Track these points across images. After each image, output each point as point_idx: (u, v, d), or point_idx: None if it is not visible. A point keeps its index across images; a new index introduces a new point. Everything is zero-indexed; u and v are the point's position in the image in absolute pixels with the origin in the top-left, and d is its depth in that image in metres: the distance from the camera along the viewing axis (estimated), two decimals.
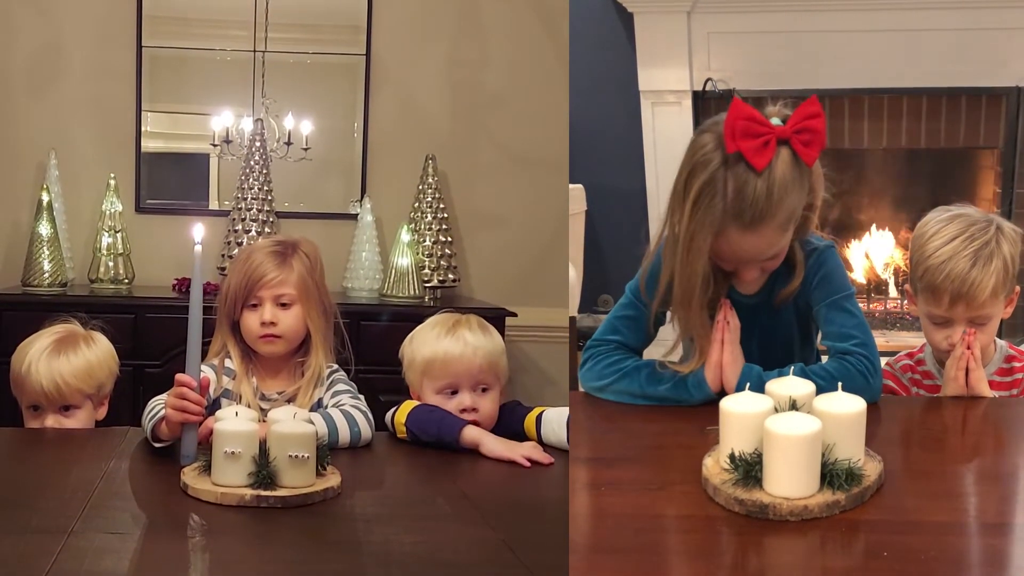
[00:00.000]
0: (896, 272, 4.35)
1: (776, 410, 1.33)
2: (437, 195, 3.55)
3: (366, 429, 1.80)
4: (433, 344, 1.87)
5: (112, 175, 3.43)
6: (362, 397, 1.91)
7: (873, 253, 4.37)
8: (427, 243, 3.52)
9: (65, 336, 1.96)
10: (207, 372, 1.89)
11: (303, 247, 1.99)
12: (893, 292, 4.38)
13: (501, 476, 1.67)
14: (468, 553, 1.32)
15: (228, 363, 1.95)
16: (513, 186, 3.71)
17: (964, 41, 3.95)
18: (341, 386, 1.93)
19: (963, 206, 1.90)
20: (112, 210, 3.41)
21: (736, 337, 1.69)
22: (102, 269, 3.39)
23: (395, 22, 3.69)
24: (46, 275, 3.26)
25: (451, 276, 3.56)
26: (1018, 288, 1.87)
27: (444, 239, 3.55)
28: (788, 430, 1.27)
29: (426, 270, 3.50)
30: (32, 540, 1.26)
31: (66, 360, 1.91)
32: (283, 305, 1.93)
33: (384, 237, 3.60)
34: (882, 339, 4.12)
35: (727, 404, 1.35)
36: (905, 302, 4.21)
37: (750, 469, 1.29)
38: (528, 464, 1.69)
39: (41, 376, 1.89)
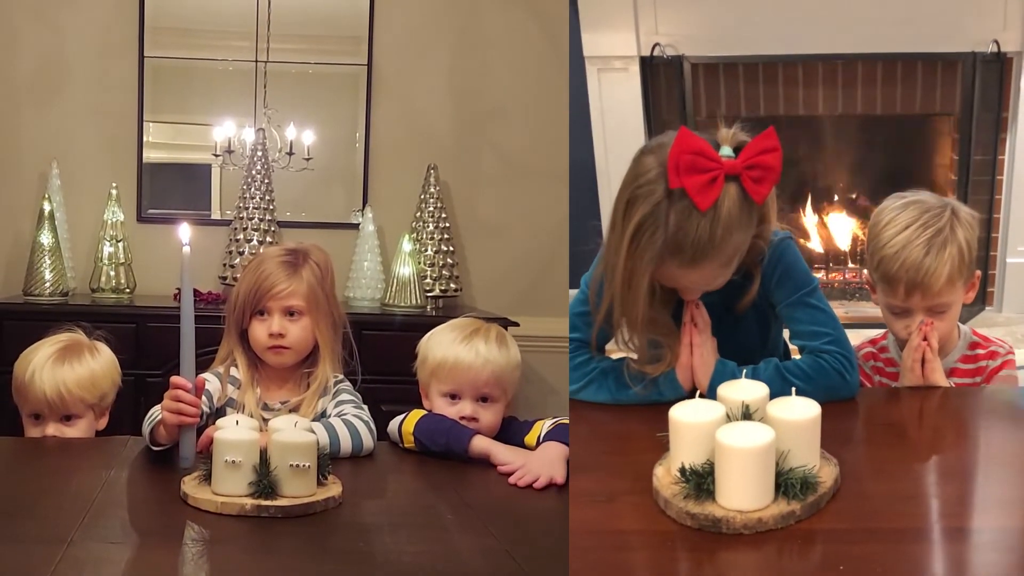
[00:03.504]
0: (854, 240, 4.21)
1: (728, 417, 1.28)
2: (439, 204, 3.55)
3: (367, 439, 1.80)
4: (446, 348, 1.86)
5: (114, 185, 3.43)
6: (365, 407, 1.90)
7: (830, 222, 4.24)
8: (429, 252, 3.52)
9: (69, 345, 1.95)
10: (212, 380, 1.90)
11: (314, 256, 1.98)
12: (851, 262, 4.24)
13: (504, 485, 1.66)
14: (471, 563, 1.31)
15: (233, 371, 1.94)
16: (515, 195, 3.71)
17: (919, 6, 3.80)
18: (345, 396, 1.92)
19: (918, 192, 1.84)
20: (114, 220, 3.41)
21: (706, 337, 1.63)
22: (103, 278, 3.39)
23: (396, 32, 3.70)
24: (47, 284, 3.26)
25: (453, 285, 3.56)
26: (978, 272, 1.83)
27: (446, 248, 3.55)
28: (740, 443, 1.22)
29: (428, 279, 3.49)
30: (31, 549, 1.26)
31: (70, 369, 1.91)
32: (291, 315, 1.93)
33: (386, 246, 3.60)
34: (841, 310, 3.95)
35: (676, 413, 1.29)
36: (864, 272, 4.11)
37: (701, 482, 1.24)
38: (540, 488, 1.64)
39: (45, 384, 1.88)
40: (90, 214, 3.50)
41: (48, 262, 3.27)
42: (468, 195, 3.72)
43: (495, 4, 3.73)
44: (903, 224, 1.77)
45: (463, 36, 3.73)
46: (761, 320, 1.74)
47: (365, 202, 3.67)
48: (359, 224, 3.59)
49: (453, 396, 1.86)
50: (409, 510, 1.58)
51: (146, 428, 1.72)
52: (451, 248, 3.57)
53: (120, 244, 3.41)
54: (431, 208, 3.54)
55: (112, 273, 3.40)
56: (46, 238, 3.27)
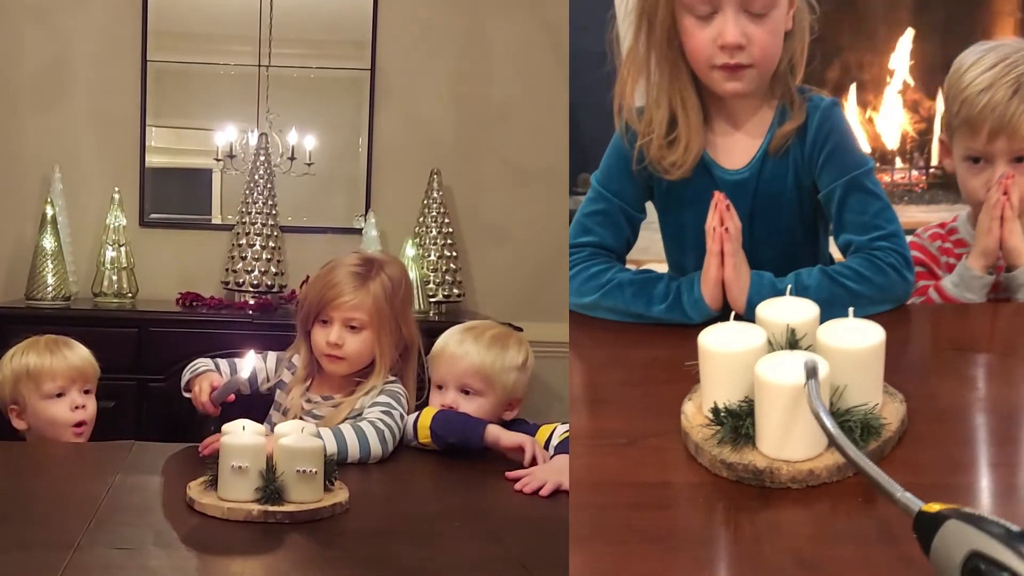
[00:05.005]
0: (903, 137, 3.80)
1: (770, 345, 1.05)
2: (442, 209, 3.55)
3: (376, 445, 1.77)
4: (443, 340, 1.93)
5: (116, 189, 3.43)
6: (398, 412, 1.87)
7: (877, 116, 3.82)
8: (432, 258, 3.51)
9: (53, 338, 2.02)
10: (271, 357, 2.00)
11: (388, 269, 1.97)
12: (901, 162, 3.83)
13: (510, 492, 1.65)
14: (478, 570, 1.30)
15: (295, 359, 1.99)
16: (517, 200, 3.70)
17: None
18: (382, 398, 1.90)
19: (1004, 39, 1.72)
20: (116, 224, 3.41)
21: (738, 246, 1.38)
22: (106, 283, 3.39)
23: (399, 37, 3.70)
24: (50, 289, 3.25)
25: (456, 291, 3.55)
26: None
27: (449, 253, 3.54)
28: (785, 378, 0.98)
29: (431, 285, 3.49)
30: (37, 555, 1.25)
31: (74, 349, 2.00)
32: (353, 328, 1.92)
33: (389, 252, 3.59)
34: None
35: (707, 339, 1.07)
36: (914, 172, 3.75)
37: (738, 424, 1.02)
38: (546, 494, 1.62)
39: (67, 359, 1.97)
40: (92, 218, 3.50)
41: (50, 266, 3.26)
42: (471, 200, 3.71)
43: (498, 9, 3.73)
44: (989, 63, 1.62)
45: (466, 41, 3.72)
46: (803, 210, 1.52)
47: (368, 207, 3.66)
48: (362, 229, 3.58)
49: (440, 387, 1.91)
50: (416, 516, 1.57)
51: (186, 375, 1.89)
52: (454, 253, 3.56)
53: (122, 248, 3.40)
54: (434, 213, 3.54)
55: (114, 277, 3.39)
56: (48, 242, 3.26)
